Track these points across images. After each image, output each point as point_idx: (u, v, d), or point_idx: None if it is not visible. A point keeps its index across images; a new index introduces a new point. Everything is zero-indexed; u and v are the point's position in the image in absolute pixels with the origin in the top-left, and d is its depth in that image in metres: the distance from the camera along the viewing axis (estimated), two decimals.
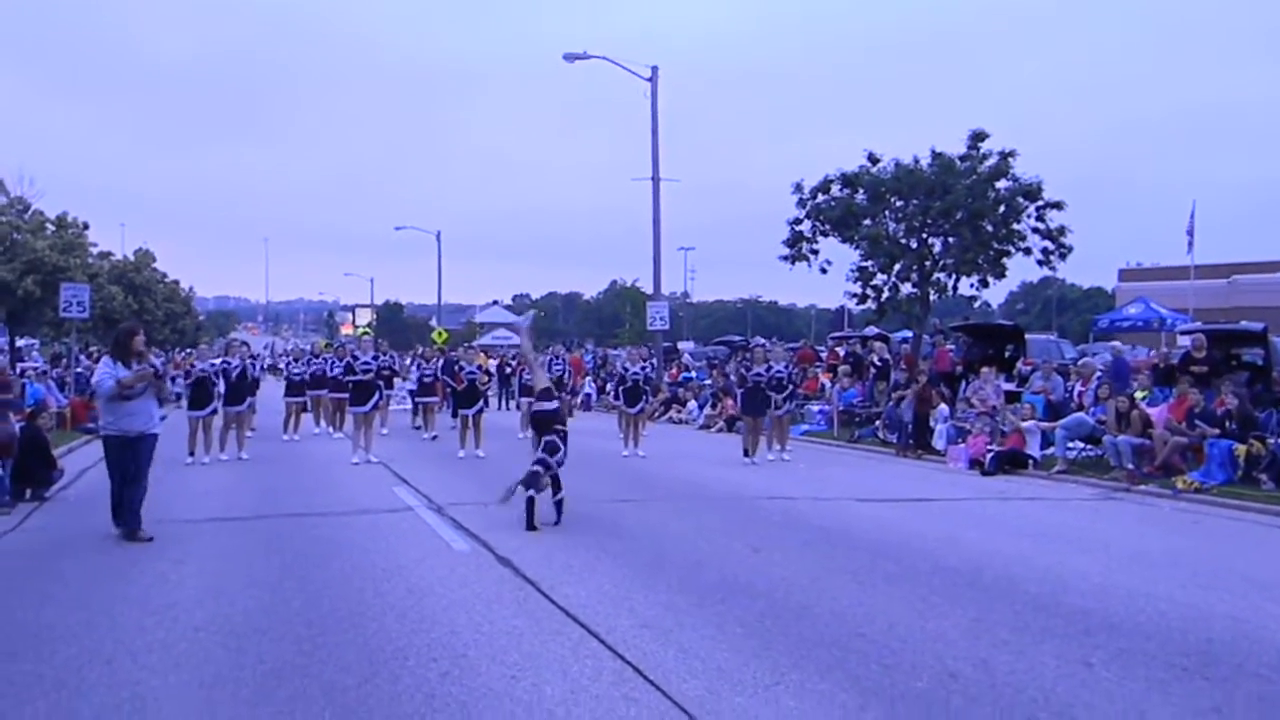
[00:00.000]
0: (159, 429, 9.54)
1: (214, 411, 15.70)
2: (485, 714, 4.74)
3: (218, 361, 16.27)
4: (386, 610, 6.57)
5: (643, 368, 18.37)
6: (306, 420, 21.02)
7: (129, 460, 9.15)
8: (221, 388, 15.93)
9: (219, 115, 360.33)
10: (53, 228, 33.64)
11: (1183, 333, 22.03)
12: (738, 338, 45.60)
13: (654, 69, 29.72)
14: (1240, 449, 12.77)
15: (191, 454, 15.27)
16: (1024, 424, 15.56)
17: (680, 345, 44.12)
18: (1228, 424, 13.28)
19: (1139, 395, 15.47)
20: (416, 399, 21.90)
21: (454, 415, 18.41)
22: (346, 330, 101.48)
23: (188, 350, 42.04)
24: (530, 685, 5.11)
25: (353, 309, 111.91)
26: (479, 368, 17.81)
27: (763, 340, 27.33)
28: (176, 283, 64.05)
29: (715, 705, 4.84)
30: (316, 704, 4.88)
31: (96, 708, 4.86)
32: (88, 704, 4.90)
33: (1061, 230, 23.10)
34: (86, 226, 35.21)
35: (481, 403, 16.94)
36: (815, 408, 23.27)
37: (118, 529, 9.01)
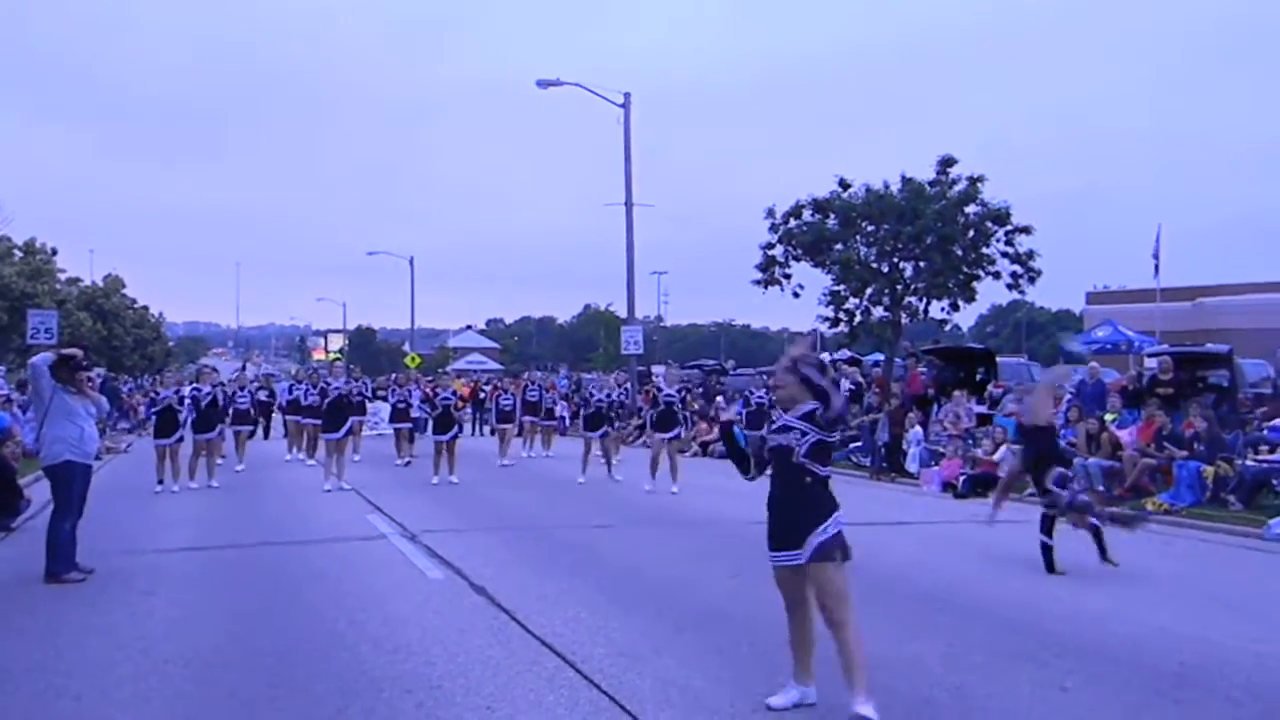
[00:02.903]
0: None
1: (180, 439, 15.53)
2: None
3: (187, 388, 16.12)
4: (360, 640, 6.51)
5: (678, 390, 17.01)
6: (259, 448, 20.73)
7: (84, 490, 8.92)
8: (190, 415, 15.77)
9: (189, 141, 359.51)
10: (20, 254, 33.37)
11: (1150, 355, 22.29)
12: (711, 361, 45.74)
13: (626, 95, 29.85)
14: (1208, 470, 12.91)
15: (160, 482, 15.09)
16: (996, 456, 15.65)
17: (654, 369, 44.11)
18: (1196, 446, 13.43)
19: (1108, 418, 15.62)
20: (392, 424, 21.75)
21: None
22: (318, 355, 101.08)
23: (155, 376, 41.70)
24: (505, 716, 5.07)
25: (325, 334, 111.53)
26: (454, 393, 17.74)
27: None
28: (146, 308, 63.61)
29: None
30: None
31: None
32: None
33: (1030, 254, 23.32)
34: (55, 252, 34.98)
35: (456, 428, 16.86)
36: None
37: (80, 571, 8.62)
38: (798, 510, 5.03)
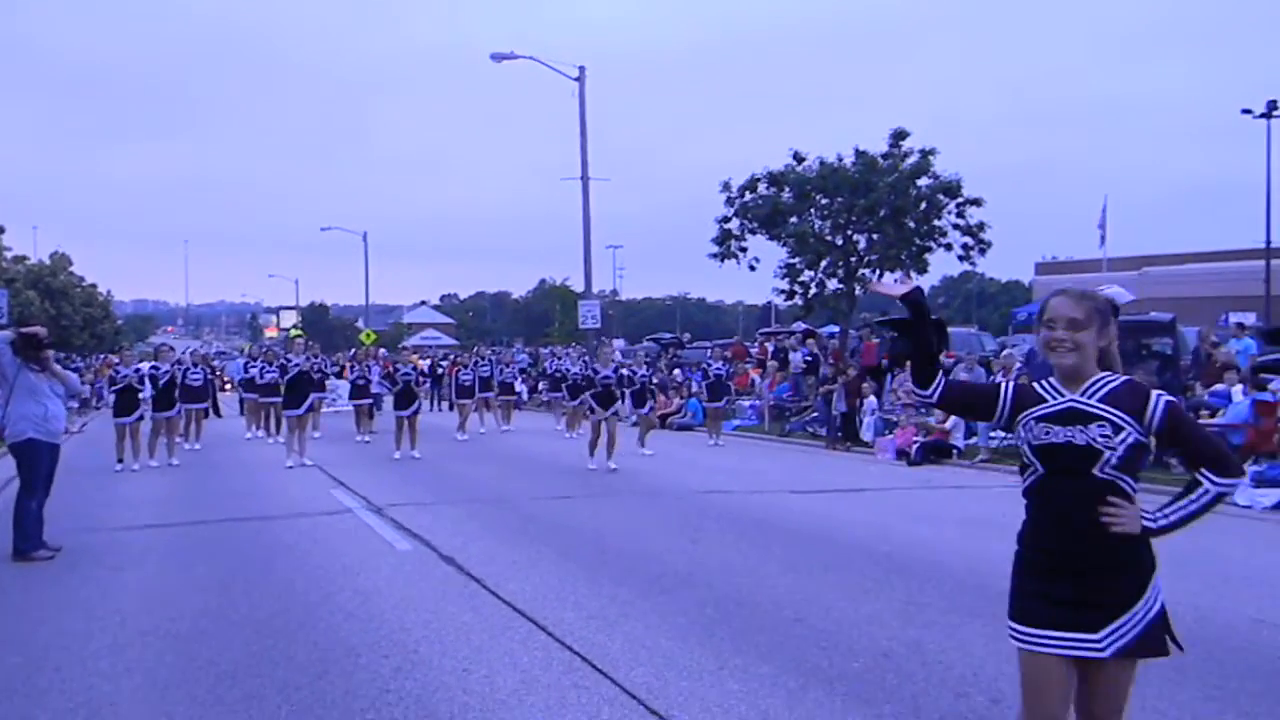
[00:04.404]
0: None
1: (140, 418, 15.49)
2: (440, 706, 4.86)
3: (145, 366, 16.05)
4: (334, 611, 6.64)
5: (614, 370, 15.76)
6: (217, 426, 20.61)
7: (50, 468, 8.93)
8: (149, 393, 15.71)
9: (132, 112, 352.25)
10: None
11: None
12: (668, 335, 45.99)
13: (581, 69, 29.80)
14: None
15: (120, 461, 15.05)
16: (948, 424, 16.03)
17: (613, 343, 44.31)
18: None
19: None
20: (352, 401, 21.70)
21: None
22: (271, 333, 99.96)
23: (105, 355, 41.10)
24: (483, 677, 5.25)
25: (277, 311, 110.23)
26: (413, 368, 17.79)
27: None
28: (94, 286, 62.61)
29: (663, 690, 5.03)
30: (271, 702, 4.96)
31: (52, 713, 4.88)
32: (42, 710, 4.92)
33: (981, 226, 23.77)
34: (1, 230, 34.33)
35: (417, 404, 16.94)
36: (746, 403, 23.64)
37: (48, 549, 8.61)
38: (1098, 561, 3.05)
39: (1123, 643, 3.06)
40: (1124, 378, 3.16)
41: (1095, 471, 3.04)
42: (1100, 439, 3.03)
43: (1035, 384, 3.23)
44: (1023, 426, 3.17)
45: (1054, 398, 3.14)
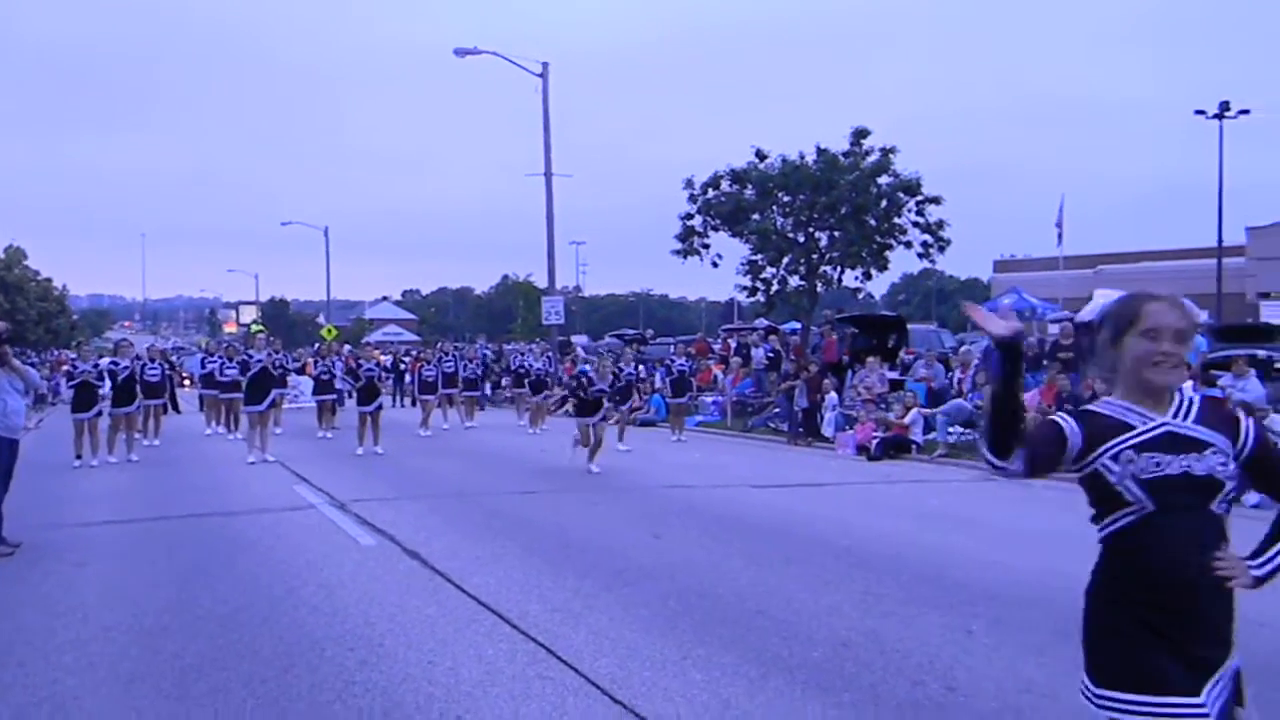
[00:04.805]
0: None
1: (99, 413, 15.35)
2: (405, 697, 4.91)
3: (104, 362, 15.91)
4: (299, 605, 6.66)
5: (610, 384, 15.55)
6: (174, 422, 20.41)
7: (9, 464, 8.84)
8: (108, 388, 15.58)
9: (89, 106, 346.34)
10: None
11: (1052, 321, 23.20)
12: (631, 331, 46.09)
13: (545, 65, 29.79)
14: None
15: (79, 457, 14.90)
16: (907, 419, 16.24)
17: (574, 339, 44.33)
18: None
19: None
20: (315, 397, 21.54)
21: None
22: (230, 328, 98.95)
23: (60, 351, 40.53)
24: (448, 669, 5.31)
25: (236, 306, 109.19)
26: (376, 364, 17.75)
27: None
28: (50, 280, 61.71)
29: (627, 680, 5.11)
30: (237, 695, 4.99)
31: (15, 708, 4.88)
32: (5, 705, 4.92)
33: (940, 224, 24.01)
34: None
35: (380, 400, 16.90)
36: (709, 399, 23.78)
37: (8, 545, 8.58)
38: (1209, 611, 2.59)
39: (1222, 701, 2.58)
40: (1198, 393, 2.74)
41: (1213, 507, 2.60)
42: (1220, 468, 2.58)
43: (1093, 408, 2.73)
44: (1113, 459, 2.61)
45: (1142, 421, 2.63)
